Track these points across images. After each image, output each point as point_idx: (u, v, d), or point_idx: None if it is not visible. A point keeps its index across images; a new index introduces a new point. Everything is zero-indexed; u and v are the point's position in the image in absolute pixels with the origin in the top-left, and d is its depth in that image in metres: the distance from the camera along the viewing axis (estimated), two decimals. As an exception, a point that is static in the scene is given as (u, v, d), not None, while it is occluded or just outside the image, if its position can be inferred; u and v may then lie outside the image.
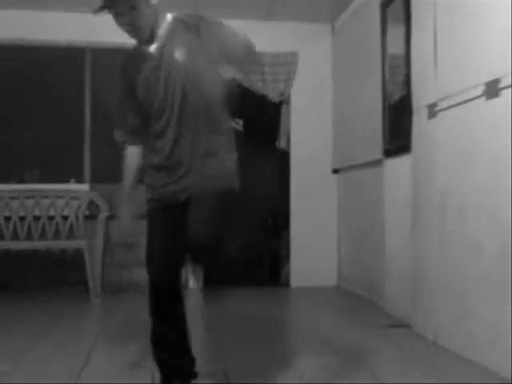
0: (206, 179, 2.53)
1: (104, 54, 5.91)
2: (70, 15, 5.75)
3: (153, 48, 2.54)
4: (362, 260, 5.44)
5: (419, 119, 3.98)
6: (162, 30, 2.54)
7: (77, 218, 5.74)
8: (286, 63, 6.13)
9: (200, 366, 2.79)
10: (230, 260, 2.75)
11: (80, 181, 6.04)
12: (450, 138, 3.54)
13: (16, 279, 5.77)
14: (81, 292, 5.52)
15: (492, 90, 3.05)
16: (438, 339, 3.62)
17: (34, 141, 6.29)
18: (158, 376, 2.68)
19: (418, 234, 3.99)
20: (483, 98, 3.15)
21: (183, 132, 2.53)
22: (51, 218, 5.70)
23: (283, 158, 6.42)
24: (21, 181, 5.98)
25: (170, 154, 2.55)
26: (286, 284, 6.21)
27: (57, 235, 5.69)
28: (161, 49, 2.52)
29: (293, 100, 6.25)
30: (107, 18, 2.52)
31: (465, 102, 3.36)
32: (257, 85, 6.10)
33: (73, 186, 5.93)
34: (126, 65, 2.67)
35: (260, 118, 6.74)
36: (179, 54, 2.49)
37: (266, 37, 6.06)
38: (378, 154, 4.81)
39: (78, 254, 5.42)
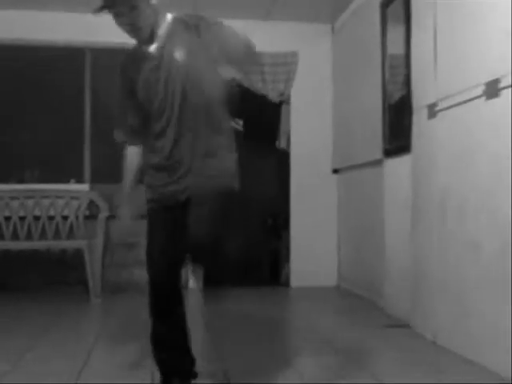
0: (206, 179, 2.53)
1: (104, 54, 5.91)
2: (69, 15, 5.75)
3: (153, 48, 2.54)
4: (362, 260, 5.44)
5: (419, 119, 3.98)
6: (162, 30, 2.54)
7: (77, 218, 5.74)
8: (286, 63, 6.13)
9: (200, 365, 2.79)
10: (229, 260, 2.75)
11: (80, 181, 6.04)
12: (450, 137, 3.54)
13: (16, 279, 5.77)
14: (81, 292, 5.52)
15: (492, 89, 3.05)
16: (437, 339, 3.62)
17: (33, 141, 6.29)
18: (157, 376, 2.68)
19: (418, 233, 3.99)
20: (483, 97, 3.15)
21: (183, 132, 2.53)
22: (51, 218, 5.70)
23: (283, 157, 6.42)
24: (21, 181, 5.98)
25: (170, 153, 2.55)
26: (286, 284, 6.21)
27: (57, 235, 5.68)
28: (161, 49, 2.52)
29: (293, 100, 6.25)
30: (107, 18, 2.52)
31: (465, 101, 3.35)
32: (257, 85, 6.10)
33: (73, 186, 5.93)
34: (125, 65, 2.67)
35: (260, 118, 6.74)
36: (179, 54, 2.50)
37: (265, 37, 6.06)
38: (377, 154, 4.81)
39: (78, 253, 5.42)
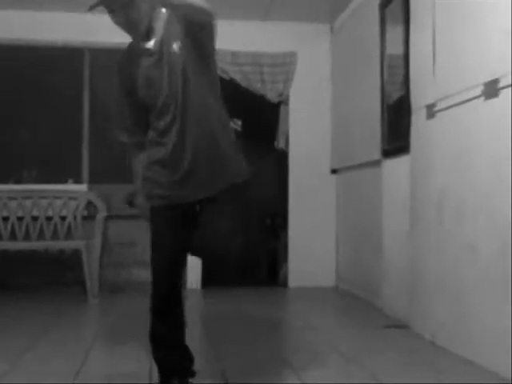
0: (212, 175, 2.55)
1: (102, 54, 5.90)
2: (68, 15, 5.74)
3: (151, 43, 2.53)
4: (360, 260, 5.44)
5: (418, 119, 3.98)
6: (158, 25, 2.53)
7: (75, 218, 5.73)
8: (285, 63, 6.13)
9: (198, 365, 2.79)
10: (228, 260, 2.77)
11: (78, 181, 6.03)
12: (449, 138, 3.54)
13: (14, 279, 5.76)
14: (79, 292, 5.50)
15: (491, 90, 3.05)
16: (436, 339, 3.62)
17: (32, 141, 6.28)
18: (156, 375, 2.68)
19: (416, 234, 3.99)
20: (482, 98, 3.15)
21: (187, 127, 2.53)
22: (49, 219, 5.69)
23: (282, 158, 6.41)
24: (19, 181, 5.97)
25: (174, 148, 2.54)
26: (284, 284, 6.21)
27: (55, 235, 5.68)
28: (160, 43, 2.51)
29: (291, 100, 6.25)
30: (105, 18, 2.51)
31: (463, 102, 3.35)
32: (256, 85, 6.09)
33: (71, 187, 5.93)
34: (122, 62, 2.66)
35: (258, 118, 6.74)
36: (176, 46, 2.49)
37: (264, 37, 6.08)
38: (376, 154, 4.81)
39: (76, 254, 5.41)
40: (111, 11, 2.42)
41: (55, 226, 5.69)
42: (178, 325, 2.65)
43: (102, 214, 5.60)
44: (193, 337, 2.77)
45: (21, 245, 5.49)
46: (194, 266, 5.46)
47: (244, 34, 6.03)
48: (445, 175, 3.58)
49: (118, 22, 2.44)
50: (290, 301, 5.73)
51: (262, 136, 6.68)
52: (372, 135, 4.89)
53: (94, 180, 6.04)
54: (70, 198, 5.75)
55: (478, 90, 3.17)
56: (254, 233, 6.76)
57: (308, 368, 3.15)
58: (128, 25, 2.45)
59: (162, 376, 2.63)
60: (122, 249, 5.91)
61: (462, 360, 3.24)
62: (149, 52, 2.52)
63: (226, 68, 5.92)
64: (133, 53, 2.59)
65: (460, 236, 3.37)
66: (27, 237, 5.64)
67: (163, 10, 2.55)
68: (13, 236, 5.60)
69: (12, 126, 6.23)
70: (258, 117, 6.67)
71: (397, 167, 4.41)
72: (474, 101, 3.24)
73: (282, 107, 6.37)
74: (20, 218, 5.65)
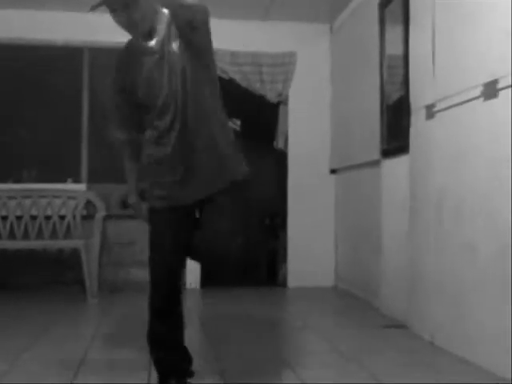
0: (211, 174, 2.55)
1: (102, 54, 5.89)
2: (68, 14, 5.75)
3: (153, 43, 2.52)
4: (359, 260, 5.44)
5: (417, 120, 3.98)
6: (161, 25, 2.52)
7: (74, 217, 5.73)
8: (284, 63, 6.13)
9: (197, 365, 2.79)
10: (228, 260, 2.78)
11: (77, 180, 6.03)
12: (448, 138, 3.54)
13: (13, 279, 5.76)
14: (77, 292, 5.50)
15: (490, 90, 3.05)
16: (435, 339, 3.62)
17: (31, 140, 6.27)
18: (155, 375, 2.68)
19: (415, 234, 3.99)
20: (481, 98, 3.15)
21: (187, 127, 2.53)
22: (48, 218, 5.69)
23: (281, 158, 6.42)
24: (18, 180, 5.97)
25: (174, 149, 2.54)
26: (283, 284, 6.21)
27: (54, 235, 5.68)
28: (161, 43, 2.51)
29: (291, 100, 6.25)
30: (105, 18, 2.51)
31: (463, 102, 3.35)
32: (255, 85, 6.09)
33: (70, 186, 5.92)
34: (121, 60, 2.65)
35: (258, 118, 6.74)
36: (175, 46, 2.49)
37: (264, 37, 6.07)
38: (375, 154, 4.81)
39: (75, 253, 5.41)
40: (113, 10, 2.41)
41: (54, 225, 5.69)
42: (178, 325, 2.66)
43: (101, 214, 5.60)
44: (192, 337, 2.77)
45: (20, 244, 5.49)
46: (193, 266, 5.46)
47: (243, 34, 6.03)
48: (444, 175, 3.58)
49: (119, 22, 2.44)
50: (290, 301, 5.73)
51: (261, 136, 6.68)
52: (371, 135, 4.89)
53: (93, 179, 6.04)
54: (69, 198, 5.75)
55: (478, 91, 3.18)
56: (253, 233, 6.76)
57: (308, 368, 3.15)
58: (129, 24, 2.44)
59: (161, 376, 2.63)
60: (121, 248, 5.90)
61: (460, 360, 3.24)
62: (150, 51, 2.52)
63: (225, 68, 5.92)
64: (133, 51, 2.59)
65: (459, 236, 3.37)
66: (26, 236, 5.64)
67: (165, 10, 2.55)
68: (12, 235, 5.60)
69: (11, 125, 6.22)
70: (258, 117, 6.67)
71: (396, 167, 4.41)
72: (473, 101, 3.24)
73: (282, 107, 6.37)
74: (19, 217, 5.65)
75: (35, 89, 6.21)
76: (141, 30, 2.48)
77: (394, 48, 4.47)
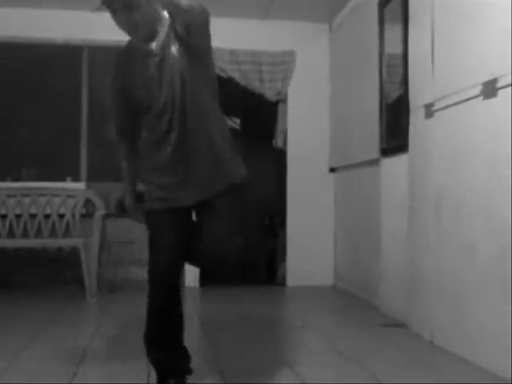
0: (209, 177, 2.55)
1: (101, 52, 5.89)
2: (67, 13, 5.75)
3: (154, 45, 2.51)
4: (358, 259, 5.45)
5: (416, 119, 3.98)
6: (163, 28, 2.51)
7: (73, 216, 5.73)
8: (284, 62, 6.13)
9: (197, 364, 2.79)
10: (227, 264, 2.77)
11: (76, 179, 6.03)
12: (447, 137, 3.54)
13: (12, 277, 5.76)
14: (77, 290, 5.50)
15: (490, 89, 3.05)
16: (434, 339, 3.62)
17: (30, 139, 6.28)
18: (154, 375, 2.68)
19: (414, 233, 3.99)
20: (480, 97, 3.15)
21: (186, 129, 2.52)
22: (47, 216, 5.70)
23: (280, 156, 6.42)
24: (17, 179, 5.97)
25: (173, 151, 2.53)
26: (283, 283, 6.21)
27: (53, 233, 5.68)
28: (161, 45, 2.50)
29: (290, 99, 6.24)
30: (105, 16, 2.50)
31: (462, 101, 3.35)
32: (254, 83, 6.09)
33: (69, 185, 5.92)
34: (120, 60, 2.63)
35: (257, 117, 6.75)
36: (174, 49, 2.49)
37: (263, 36, 6.07)
38: (375, 153, 4.81)
39: (74, 252, 5.41)
40: (113, 11, 2.39)
41: (53, 223, 5.69)
42: (178, 325, 2.65)
43: (100, 212, 5.60)
44: (191, 336, 2.77)
45: (19, 242, 5.49)
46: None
47: (243, 33, 6.02)
48: (443, 174, 3.58)
49: (119, 23, 2.41)
50: (289, 300, 5.73)
51: (261, 135, 6.69)
52: (370, 134, 4.89)
53: (92, 178, 6.04)
54: (69, 196, 5.75)
55: (477, 90, 3.17)
56: (252, 232, 6.76)
57: (307, 367, 3.15)
58: (130, 26, 2.41)
59: (160, 376, 2.62)
60: (121, 247, 5.90)
61: (460, 360, 3.24)
62: (151, 54, 2.51)
63: (224, 66, 5.91)
64: (133, 52, 2.58)
65: (458, 235, 3.37)
66: (25, 234, 5.64)
67: (165, 12, 2.52)
68: (11, 234, 5.60)
69: (10, 123, 6.22)
70: (257, 115, 6.68)
71: (395, 166, 4.41)
72: (472, 100, 3.24)
73: (281, 106, 6.37)
74: (18, 216, 5.65)
75: (34, 87, 6.20)
76: (141, 32, 2.46)
77: (393, 47, 4.47)
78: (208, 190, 2.57)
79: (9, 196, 5.64)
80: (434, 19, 3.70)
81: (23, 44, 5.96)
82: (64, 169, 6.11)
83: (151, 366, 2.69)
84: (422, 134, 3.90)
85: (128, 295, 5.46)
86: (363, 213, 5.29)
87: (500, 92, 2.97)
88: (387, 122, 4.59)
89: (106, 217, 5.68)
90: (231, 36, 5.75)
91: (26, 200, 5.67)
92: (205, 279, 5.96)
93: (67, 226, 5.72)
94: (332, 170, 6.19)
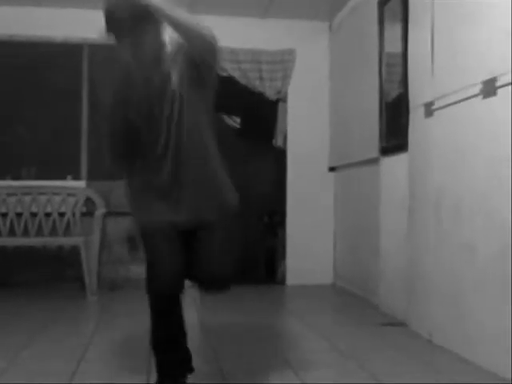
0: (204, 201, 2.54)
1: (101, 50, 5.88)
2: (67, 11, 5.74)
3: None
4: (357, 258, 5.45)
5: (416, 118, 3.98)
6: (167, 52, 2.50)
7: (73, 214, 5.74)
8: (283, 61, 6.12)
9: (197, 364, 2.79)
10: (227, 283, 2.80)
11: (77, 177, 6.03)
12: (447, 136, 3.54)
13: (12, 276, 5.76)
14: (77, 289, 5.51)
15: (489, 88, 3.05)
16: (433, 338, 3.63)
17: (30, 137, 6.28)
18: (154, 375, 2.68)
19: (413, 232, 3.99)
20: (480, 96, 3.15)
21: (182, 151, 2.51)
22: (48, 215, 5.70)
23: (280, 155, 6.41)
24: (17, 177, 5.97)
25: (168, 174, 2.51)
26: (282, 282, 6.22)
27: (53, 232, 5.69)
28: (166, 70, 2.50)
29: (290, 98, 6.24)
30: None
31: (462, 100, 3.36)
32: (254, 82, 6.09)
33: (70, 183, 5.92)
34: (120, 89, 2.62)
35: (257, 116, 6.74)
36: (174, 78, 2.48)
37: (263, 34, 6.07)
38: (374, 152, 4.81)
39: (75, 250, 5.42)
40: (118, 36, 2.39)
41: (54, 222, 5.70)
42: (179, 325, 2.65)
43: (100, 211, 5.60)
44: (191, 336, 2.77)
45: (19, 241, 5.50)
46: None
47: (243, 32, 6.02)
48: (442, 174, 3.58)
49: (123, 47, 2.41)
50: (288, 298, 5.73)
51: (261, 134, 6.68)
52: (370, 133, 4.89)
53: (92, 176, 6.04)
54: (69, 195, 5.75)
55: (477, 89, 3.18)
56: (252, 231, 6.76)
57: (307, 367, 3.15)
58: (135, 51, 2.41)
59: (160, 375, 2.63)
60: (121, 246, 5.91)
61: (460, 359, 3.25)
62: (154, 85, 2.49)
63: (224, 65, 5.91)
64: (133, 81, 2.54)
65: (458, 235, 3.37)
66: (26, 233, 5.64)
67: (168, 36, 2.49)
68: (11, 232, 5.61)
69: (11, 121, 6.22)
70: (257, 114, 6.67)
71: (395, 165, 4.41)
72: (472, 99, 3.24)
73: (281, 104, 6.37)
74: (19, 214, 5.65)
75: (34, 85, 6.20)
76: (148, 58, 2.45)
77: (392, 46, 4.47)
78: (202, 213, 2.57)
79: (9, 194, 5.64)
80: (434, 18, 3.71)
81: (23, 42, 5.95)
82: (64, 167, 6.11)
83: (152, 365, 2.69)
84: (421, 133, 3.90)
85: (128, 294, 5.46)
86: (363, 212, 5.30)
87: (500, 91, 2.98)
88: (387, 121, 4.60)
89: (106, 215, 5.68)
90: (231, 35, 5.74)
91: (27, 198, 5.68)
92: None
93: (68, 224, 5.73)
94: (332, 169, 6.20)
